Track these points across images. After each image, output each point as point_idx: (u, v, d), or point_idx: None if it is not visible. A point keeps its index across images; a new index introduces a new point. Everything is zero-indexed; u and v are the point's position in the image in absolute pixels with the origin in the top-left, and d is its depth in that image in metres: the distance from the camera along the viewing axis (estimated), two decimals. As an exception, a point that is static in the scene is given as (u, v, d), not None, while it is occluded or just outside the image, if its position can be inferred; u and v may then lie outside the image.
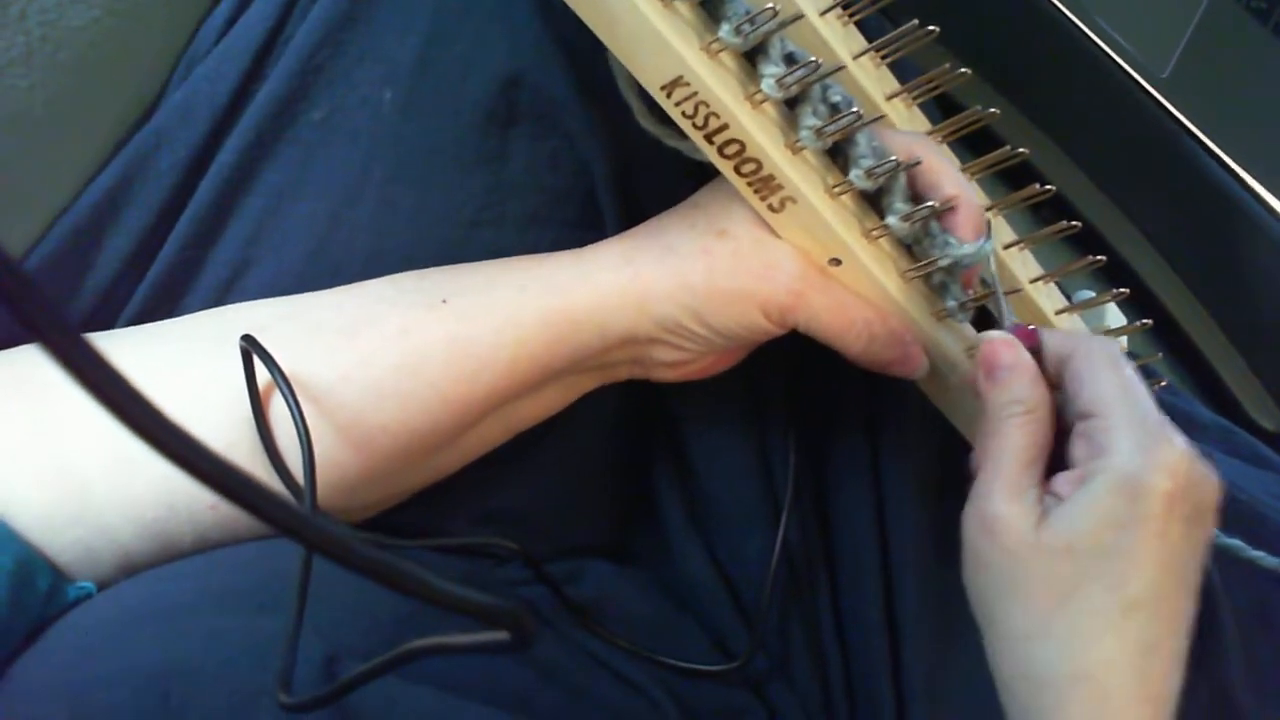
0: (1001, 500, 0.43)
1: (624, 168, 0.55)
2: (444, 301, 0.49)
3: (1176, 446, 0.41)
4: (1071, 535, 0.41)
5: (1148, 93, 0.74)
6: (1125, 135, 0.77)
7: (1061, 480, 0.43)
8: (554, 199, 0.54)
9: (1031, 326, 0.48)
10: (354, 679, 0.36)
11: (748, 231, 0.47)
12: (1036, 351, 0.47)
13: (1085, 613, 0.40)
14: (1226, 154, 0.75)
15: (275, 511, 0.23)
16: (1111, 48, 0.74)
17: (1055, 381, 0.46)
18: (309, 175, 0.53)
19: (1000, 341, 0.47)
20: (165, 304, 0.54)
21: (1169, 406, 0.70)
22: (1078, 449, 0.43)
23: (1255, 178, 0.74)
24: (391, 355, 0.48)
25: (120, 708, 0.38)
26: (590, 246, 0.51)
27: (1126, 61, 0.74)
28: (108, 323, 0.54)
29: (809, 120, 0.44)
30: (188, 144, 0.53)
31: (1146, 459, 0.41)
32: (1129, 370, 0.44)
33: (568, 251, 0.51)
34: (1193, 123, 0.75)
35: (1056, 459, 0.44)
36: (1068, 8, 0.72)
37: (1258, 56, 0.78)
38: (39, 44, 0.50)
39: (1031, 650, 0.42)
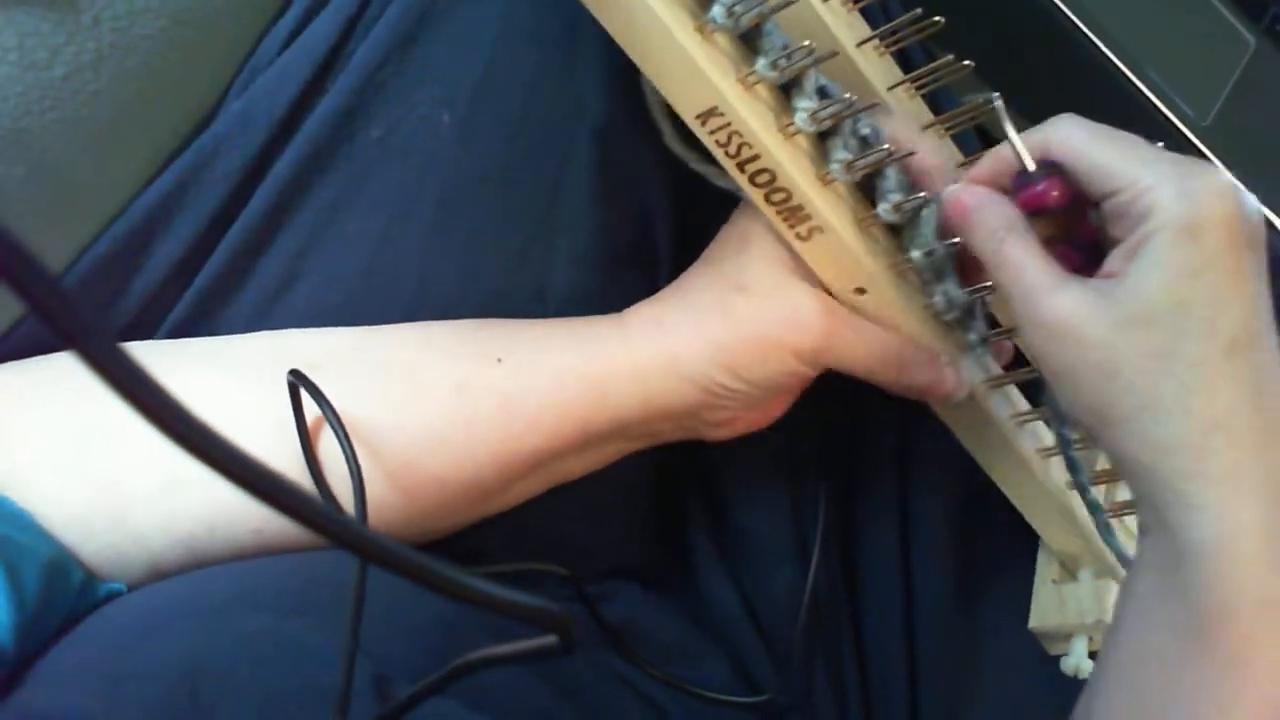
0: (1047, 298, 0.41)
1: (684, 208, 0.56)
2: (499, 360, 0.49)
3: (1212, 173, 0.39)
4: (1147, 301, 0.39)
5: (1189, 140, 0.75)
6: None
7: (1112, 260, 0.41)
8: (604, 235, 0.55)
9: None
10: (411, 698, 0.36)
11: (764, 282, 0.48)
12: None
13: (1189, 368, 0.39)
14: (1266, 204, 0.75)
15: (326, 521, 0.24)
16: (1154, 94, 0.74)
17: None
18: (362, 193, 0.53)
19: (956, 191, 0.46)
20: (210, 312, 0.54)
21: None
22: (1115, 229, 0.41)
23: (1295, 227, 0.75)
24: (447, 408, 0.49)
25: (152, 701, 0.38)
26: (629, 311, 0.52)
27: (1169, 108, 0.75)
28: (151, 327, 0.54)
29: (839, 154, 0.45)
30: (244, 153, 0.53)
31: (1194, 201, 0.38)
32: (1107, 129, 0.42)
33: (610, 317, 0.52)
34: (1233, 171, 0.75)
35: (1092, 259, 0.42)
36: (1112, 51, 0.73)
37: (1300, 107, 0.79)
38: (109, 50, 0.51)
39: (1150, 423, 0.40)
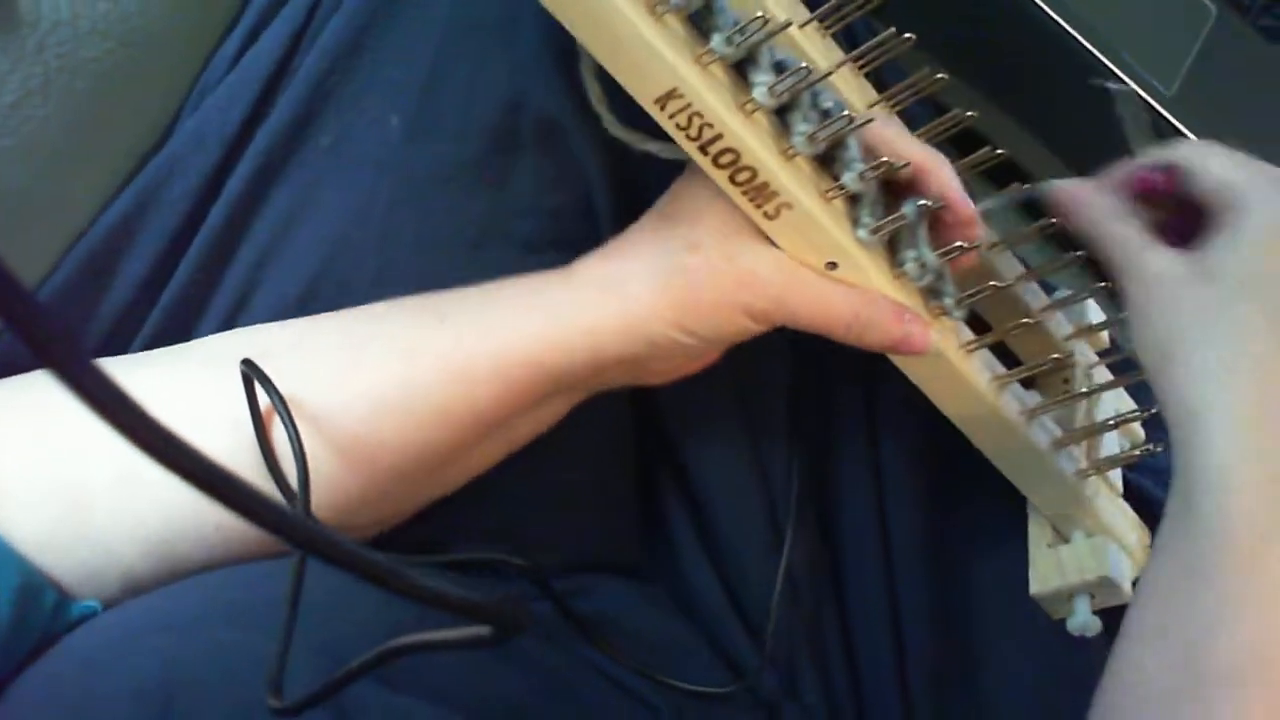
0: (1146, 254, 0.47)
1: (624, 186, 0.56)
2: (441, 321, 0.49)
3: None
4: (1217, 265, 0.45)
5: (1154, 110, 0.75)
6: (1131, 154, 0.77)
7: (1202, 241, 0.47)
8: (555, 219, 0.55)
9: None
10: (341, 678, 0.36)
11: (719, 242, 0.48)
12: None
13: (1236, 322, 0.44)
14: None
15: (257, 506, 0.23)
16: (1116, 64, 0.74)
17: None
18: (317, 200, 0.54)
19: (1062, 185, 0.52)
20: (178, 327, 0.54)
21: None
22: (1208, 226, 0.47)
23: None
24: (392, 374, 0.48)
25: (124, 719, 0.38)
26: (578, 266, 0.51)
27: (1133, 80, 0.74)
28: (122, 347, 0.55)
29: (801, 125, 0.45)
30: (200, 171, 0.54)
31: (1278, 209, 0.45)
32: (1221, 151, 0.49)
33: (557, 272, 0.51)
34: (1199, 139, 0.75)
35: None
36: (1071, 24, 0.72)
37: (1265, 74, 0.78)
38: (56, 75, 0.51)
39: (1194, 354, 0.44)
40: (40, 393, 0.48)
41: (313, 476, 0.47)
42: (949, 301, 0.49)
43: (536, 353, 0.48)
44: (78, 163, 0.53)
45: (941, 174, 0.48)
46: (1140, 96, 0.73)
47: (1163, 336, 0.46)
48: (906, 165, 0.46)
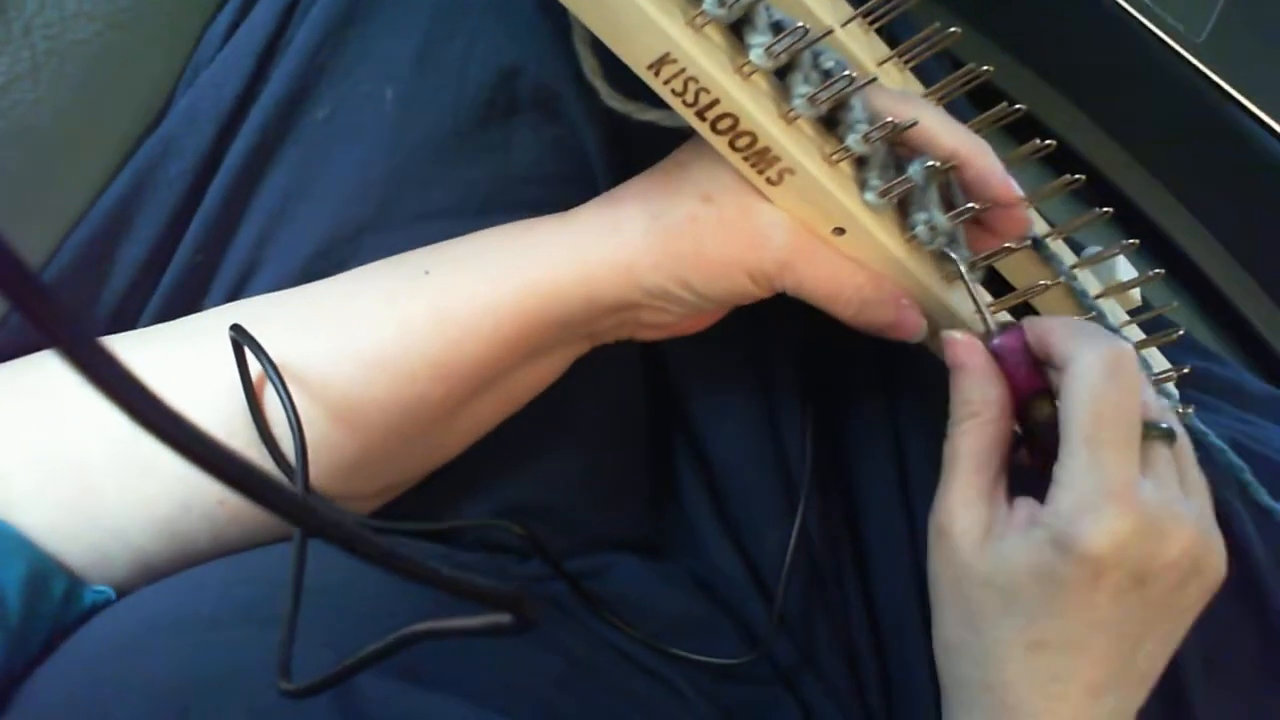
0: (949, 510, 0.46)
1: (622, 152, 0.55)
2: (426, 272, 0.48)
3: (1125, 516, 0.41)
4: (995, 572, 0.44)
5: (1184, 58, 0.72)
6: (1161, 103, 0.75)
7: (1021, 507, 0.45)
8: (558, 185, 0.54)
9: (1017, 323, 0.48)
10: (354, 664, 0.35)
11: (734, 197, 0.46)
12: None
13: (994, 640, 0.44)
14: (1271, 118, 0.72)
15: (268, 493, 0.23)
16: (1143, 13, 0.71)
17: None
18: (314, 175, 0.53)
19: (954, 340, 0.48)
20: (180, 311, 0.54)
21: (1217, 377, 0.68)
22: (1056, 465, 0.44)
23: (1301, 139, 0.72)
24: (377, 327, 0.48)
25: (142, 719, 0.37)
26: (575, 211, 0.50)
27: (1160, 27, 0.72)
28: (125, 329, 0.54)
29: (801, 88, 0.43)
30: (195, 150, 0.53)
31: (1083, 524, 0.41)
32: (1118, 396, 0.43)
33: (553, 217, 0.50)
34: (1233, 87, 0.72)
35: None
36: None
37: (1299, 15, 0.76)
38: (44, 58, 0.50)
39: (951, 656, 0.47)
40: (43, 373, 0.48)
41: (308, 440, 0.46)
42: (961, 266, 0.47)
43: (526, 296, 0.48)
44: (72, 146, 0.52)
45: (984, 162, 0.46)
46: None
47: (934, 597, 0.47)
48: (914, 123, 0.45)
